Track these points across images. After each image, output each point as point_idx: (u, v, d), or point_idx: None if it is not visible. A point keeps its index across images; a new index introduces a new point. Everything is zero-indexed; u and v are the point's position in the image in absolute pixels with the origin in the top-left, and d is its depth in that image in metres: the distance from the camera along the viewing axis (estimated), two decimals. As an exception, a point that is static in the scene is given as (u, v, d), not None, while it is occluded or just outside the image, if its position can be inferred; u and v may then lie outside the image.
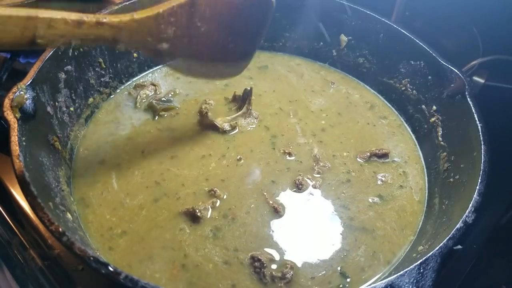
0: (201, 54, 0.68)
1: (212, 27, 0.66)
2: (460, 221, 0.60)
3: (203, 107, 0.91)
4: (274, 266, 0.68)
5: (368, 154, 0.85)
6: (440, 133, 0.84)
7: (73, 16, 0.59)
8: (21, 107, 0.67)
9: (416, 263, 0.55)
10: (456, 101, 0.79)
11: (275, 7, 0.73)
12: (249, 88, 0.92)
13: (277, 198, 0.77)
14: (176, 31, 0.66)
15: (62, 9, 0.60)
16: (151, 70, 1.02)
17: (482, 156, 0.68)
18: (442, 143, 0.83)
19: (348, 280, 0.67)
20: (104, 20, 0.61)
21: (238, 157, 0.83)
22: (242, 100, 0.92)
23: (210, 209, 0.74)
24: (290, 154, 0.84)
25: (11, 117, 0.65)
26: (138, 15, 0.64)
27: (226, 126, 0.88)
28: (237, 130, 0.89)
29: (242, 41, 0.70)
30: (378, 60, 1.00)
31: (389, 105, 0.98)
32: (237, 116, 0.90)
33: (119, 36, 0.63)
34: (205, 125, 0.89)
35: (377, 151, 0.85)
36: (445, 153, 0.81)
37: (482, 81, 0.89)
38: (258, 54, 1.08)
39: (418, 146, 0.89)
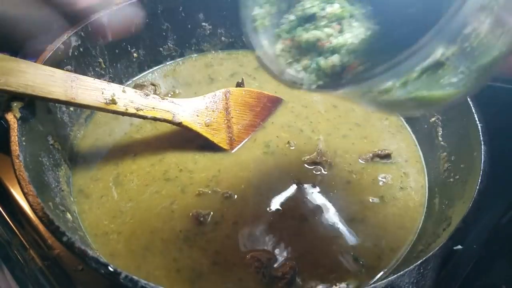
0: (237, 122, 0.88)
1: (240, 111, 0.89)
2: (460, 221, 0.60)
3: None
4: (274, 266, 0.68)
5: (371, 155, 0.85)
6: (440, 133, 0.84)
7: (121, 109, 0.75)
8: (21, 107, 0.67)
9: (416, 263, 0.55)
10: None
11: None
12: (240, 80, 0.92)
13: (276, 196, 0.77)
14: (217, 109, 0.87)
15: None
16: (151, 70, 1.03)
17: (482, 156, 0.68)
18: (442, 143, 0.83)
19: (347, 281, 0.67)
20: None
21: (236, 155, 0.83)
22: None
23: (212, 212, 0.74)
24: (290, 153, 0.84)
25: (11, 117, 0.65)
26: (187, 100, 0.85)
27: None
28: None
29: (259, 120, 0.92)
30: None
31: (389, 105, 0.98)
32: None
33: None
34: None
35: (379, 151, 0.85)
36: (445, 153, 0.81)
37: (482, 81, 0.89)
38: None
39: (418, 146, 0.89)
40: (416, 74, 0.45)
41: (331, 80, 0.53)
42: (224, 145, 0.84)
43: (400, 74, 0.45)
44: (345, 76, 0.52)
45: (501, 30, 0.45)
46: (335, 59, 0.53)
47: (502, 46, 0.46)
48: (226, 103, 0.88)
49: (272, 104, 0.94)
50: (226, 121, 0.86)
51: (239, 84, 0.94)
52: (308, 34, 0.56)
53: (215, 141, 0.84)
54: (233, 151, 0.85)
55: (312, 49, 0.55)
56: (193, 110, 0.83)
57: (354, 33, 0.53)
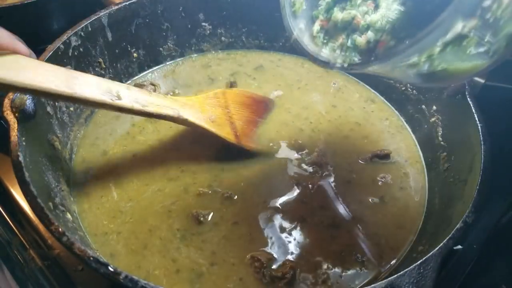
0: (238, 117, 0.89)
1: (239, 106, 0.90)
2: (460, 221, 0.60)
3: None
4: (274, 266, 0.68)
5: (370, 155, 0.85)
6: (440, 133, 0.84)
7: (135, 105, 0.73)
8: (21, 107, 0.67)
9: (416, 263, 0.55)
10: (456, 101, 0.79)
11: (276, 7, 0.74)
12: (233, 80, 0.93)
13: (276, 197, 0.77)
14: (218, 106, 0.87)
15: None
16: (151, 70, 1.03)
17: (482, 156, 0.67)
18: (442, 143, 0.83)
19: (346, 281, 0.67)
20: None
21: (234, 156, 0.83)
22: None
23: (212, 212, 0.74)
24: (290, 153, 0.84)
25: (11, 117, 0.65)
26: (192, 99, 0.85)
27: None
28: None
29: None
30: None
31: (389, 105, 0.98)
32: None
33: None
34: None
35: (378, 152, 0.85)
36: (445, 153, 0.81)
37: (482, 81, 0.89)
38: (255, 53, 1.08)
39: (418, 146, 0.89)
40: (440, 48, 0.47)
41: (363, 57, 0.57)
42: (231, 138, 0.84)
43: (423, 49, 0.47)
44: (376, 52, 0.55)
45: None
46: (369, 35, 0.56)
47: None
48: (225, 101, 0.88)
49: (265, 104, 0.94)
50: (228, 117, 0.86)
51: (232, 85, 0.95)
52: (344, 13, 0.59)
53: (223, 135, 0.83)
54: (249, 148, 0.85)
55: (348, 27, 0.59)
56: (196, 107, 0.82)
57: (388, 9, 0.55)
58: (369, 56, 0.56)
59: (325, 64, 0.59)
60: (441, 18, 0.44)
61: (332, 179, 0.81)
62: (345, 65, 0.57)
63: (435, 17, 0.44)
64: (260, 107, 0.92)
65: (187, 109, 0.80)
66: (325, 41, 0.61)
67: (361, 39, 0.57)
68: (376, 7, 0.57)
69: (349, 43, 0.58)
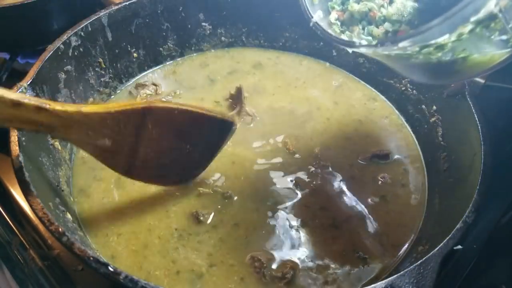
0: (146, 156, 0.64)
1: (164, 137, 0.64)
2: (460, 221, 0.60)
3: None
4: (274, 266, 0.68)
5: (370, 155, 0.85)
6: (440, 133, 0.84)
7: (12, 95, 0.53)
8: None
9: (416, 263, 0.55)
10: (456, 101, 0.79)
11: (276, 7, 0.74)
12: (239, 86, 0.92)
13: (276, 197, 0.77)
14: (124, 132, 0.62)
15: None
16: (151, 70, 1.02)
17: (482, 156, 0.67)
18: (442, 143, 0.83)
19: (347, 280, 0.67)
20: (47, 107, 0.55)
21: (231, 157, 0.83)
22: (236, 99, 0.93)
23: (213, 213, 0.74)
24: (289, 153, 0.84)
25: (11, 117, 0.65)
26: (86, 108, 0.59)
27: None
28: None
29: (193, 157, 0.68)
30: (378, 60, 1.00)
31: (389, 104, 0.98)
32: (231, 115, 0.90)
33: (57, 125, 0.58)
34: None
35: (378, 151, 0.85)
36: (445, 153, 0.81)
37: (482, 81, 0.89)
38: (253, 51, 1.08)
39: (418, 146, 0.89)
40: (470, 27, 0.47)
41: (385, 40, 0.56)
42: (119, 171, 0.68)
43: (455, 26, 0.46)
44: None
45: None
46: (386, 26, 0.57)
47: None
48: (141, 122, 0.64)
49: (216, 130, 0.70)
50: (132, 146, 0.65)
51: (239, 90, 0.93)
52: (360, 5, 0.60)
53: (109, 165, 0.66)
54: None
55: (364, 18, 0.60)
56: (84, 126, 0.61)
57: (403, 5, 0.56)
58: (392, 38, 0.55)
59: (350, 44, 0.58)
60: None
61: (332, 179, 0.81)
62: (373, 42, 0.56)
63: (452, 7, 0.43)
64: (210, 133, 0.70)
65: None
66: (342, 29, 0.62)
67: (378, 30, 0.57)
68: (391, 1, 0.58)
69: (366, 34, 0.59)
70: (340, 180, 0.81)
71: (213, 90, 0.98)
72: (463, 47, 0.49)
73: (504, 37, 0.48)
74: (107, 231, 0.72)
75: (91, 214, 0.75)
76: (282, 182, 0.80)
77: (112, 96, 0.95)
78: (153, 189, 0.77)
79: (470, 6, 0.44)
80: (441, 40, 0.48)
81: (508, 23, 0.47)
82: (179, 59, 1.06)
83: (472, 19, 0.46)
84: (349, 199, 0.78)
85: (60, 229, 0.56)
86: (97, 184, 0.79)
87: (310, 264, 0.69)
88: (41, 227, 0.78)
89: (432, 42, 0.49)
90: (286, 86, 1.00)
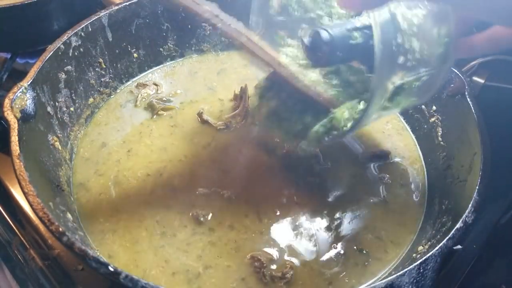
0: None
1: None
2: (460, 221, 0.60)
3: (200, 107, 0.92)
4: (274, 266, 0.68)
5: (370, 155, 0.85)
6: (440, 133, 0.84)
7: None
8: (21, 107, 0.67)
9: (416, 263, 0.55)
10: (456, 101, 0.79)
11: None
12: (244, 86, 0.92)
13: (276, 197, 0.77)
14: None
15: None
16: (151, 70, 1.02)
17: (482, 156, 0.67)
18: (442, 143, 0.83)
19: (347, 280, 0.67)
20: None
21: (231, 155, 0.84)
22: (239, 99, 0.93)
23: (211, 213, 0.74)
24: (290, 153, 0.84)
25: (11, 117, 0.65)
26: None
27: (220, 125, 0.88)
28: (232, 128, 0.89)
29: None
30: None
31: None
32: (233, 115, 0.91)
33: None
34: (201, 124, 0.90)
35: (378, 152, 0.85)
36: (445, 153, 0.81)
37: (482, 81, 0.89)
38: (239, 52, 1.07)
39: (418, 146, 0.89)
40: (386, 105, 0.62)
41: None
42: None
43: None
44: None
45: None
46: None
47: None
48: None
49: None
50: None
51: (243, 91, 0.93)
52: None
53: None
54: None
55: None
56: None
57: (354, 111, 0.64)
58: None
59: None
60: (372, 92, 0.56)
61: (332, 179, 0.81)
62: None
63: None
64: None
65: None
66: None
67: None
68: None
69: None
70: (341, 180, 0.81)
71: (214, 89, 0.98)
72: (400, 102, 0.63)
73: (425, 78, 0.60)
74: (102, 228, 0.72)
75: (88, 209, 0.75)
76: (283, 183, 0.80)
77: (112, 96, 0.95)
78: (149, 187, 0.78)
79: (373, 101, 0.57)
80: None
81: (419, 73, 0.58)
82: (179, 59, 1.06)
83: (383, 103, 0.60)
84: (349, 199, 0.78)
85: (60, 229, 0.56)
86: (96, 183, 0.79)
87: (310, 264, 0.69)
88: (41, 227, 0.78)
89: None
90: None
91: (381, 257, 0.70)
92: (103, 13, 0.88)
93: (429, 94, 0.67)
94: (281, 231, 0.73)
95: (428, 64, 0.58)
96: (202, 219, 0.73)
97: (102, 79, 0.93)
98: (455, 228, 0.60)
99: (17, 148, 0.63)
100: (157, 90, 0.97)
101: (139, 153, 0.84)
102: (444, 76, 0.62)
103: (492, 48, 0.58)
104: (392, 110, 0.63)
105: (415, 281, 0.54)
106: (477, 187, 0.64)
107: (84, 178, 0.80)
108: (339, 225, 0.74)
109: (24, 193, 0.59)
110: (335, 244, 0.71)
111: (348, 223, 0.74)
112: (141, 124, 0.90)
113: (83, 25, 0.85)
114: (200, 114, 0.90)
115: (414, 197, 0.80)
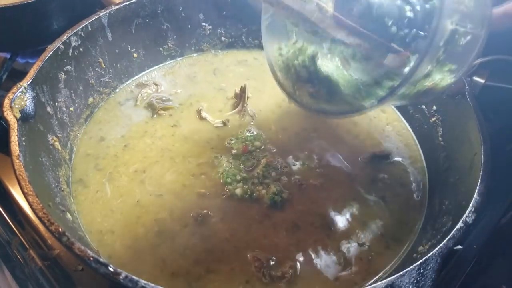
0: None
1: None
2: (460, 221, 0.60)
3: (200, 106, 0.92)
4: (274, 266, 0.68)
5: (370, 155, 0.85)
6: (440, 133, 0.84)
7: None
8: (21, 107, 0.67)
9: (416, 263, 0.55)
10: (456, 101, 0.79)
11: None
12: (243, 85, 0.92)
13: (275, 196, 0.77)
14: None
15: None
16: (151, 69, 1.02)
17: (482, 156, 0.67)
18: (442, 143, 0.83)
19: (347, 280, 0.67)
20: None
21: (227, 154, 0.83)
22: (239, 98, 0.93)
23: (210, 213, 0.74)
24: (290, 153, 0.84)
25: (11, 117, 0.65)
26: None
27: (218, 123, 0.89)
28: (229, 126, 0.89)
29: None
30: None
31: (389, 105, 0.98)
32: (232, 114, 0.91)
33: None
34: (200, 121, 0.90)
35: (378, 152, 0.85)
36: (445, 153, 0.81)
37: (482, 81, 0.89)
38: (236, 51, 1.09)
39: (418, 146, 0.89)
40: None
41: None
42: None
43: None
44: None
45: None
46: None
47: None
48: None
49: None
50: None
51: (243, 90, 0.93)
52: None
53: None
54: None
55: None
56: None
57: None
58: None
59: (360, 108, 0.71)
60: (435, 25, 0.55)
61: (332, 179, 0.81)
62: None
63: None
64: None
65: None
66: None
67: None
68: None
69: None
70: (341, 180, 0.81)
71: (214, 89, 0.98)
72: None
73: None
74: (100, 228, 0.72)
75: (86, 208, 0.75)
76: (283, 183, 0.80)
77: (112, 95, 0.95)
78: (148, 188, 0.78)
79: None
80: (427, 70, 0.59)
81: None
82: (179, 59, 1.06)
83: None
84: (350, 199, 0.78)
85: (60, 229, 0.56)
86: (96, 183, 0.79)
87: (310, 263, 0.69)
88: (41, 227, 0.78)
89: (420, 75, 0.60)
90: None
91: (380, 259, 0.70)
92: (103, 13, 0.88)
93: (466, 65, 0.65)
94: (280, 230, 0.72)
95: (472, 20, 0.59)
96: (201, 219, 0.73)
97: (102, 79, 0.93)
98: (456, 228, 0.59)
99: (17, 148, 0.63)
100: (157, 89, 0.97)
101: (142, 154, 0.84)
102: (480, 46, 0.62)
103: (509, 21, 0.62)
104: (434, 76, 0.61)
105: (415, 281, 0.54)
106: (477, 187, 0.64)
107: (83, 173, 0.80)
108: (339, 225, 0.74)
109: (24, 193, 0.59)
110: (334, 245, 0.71)
111: (348, 224, 0.74)
112: (141, 123, 0.90)
113: (83, 25, 0.85)
114: (199, 112, 0.90)
115: (414, 197, 0.80)
